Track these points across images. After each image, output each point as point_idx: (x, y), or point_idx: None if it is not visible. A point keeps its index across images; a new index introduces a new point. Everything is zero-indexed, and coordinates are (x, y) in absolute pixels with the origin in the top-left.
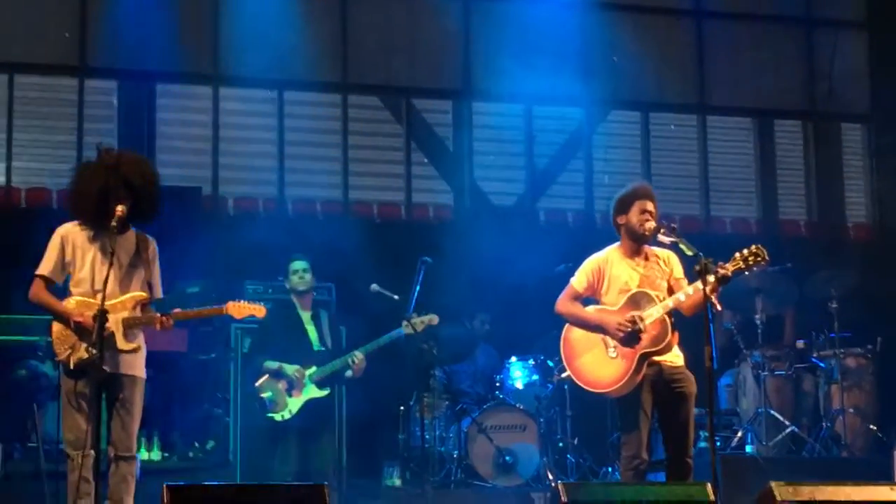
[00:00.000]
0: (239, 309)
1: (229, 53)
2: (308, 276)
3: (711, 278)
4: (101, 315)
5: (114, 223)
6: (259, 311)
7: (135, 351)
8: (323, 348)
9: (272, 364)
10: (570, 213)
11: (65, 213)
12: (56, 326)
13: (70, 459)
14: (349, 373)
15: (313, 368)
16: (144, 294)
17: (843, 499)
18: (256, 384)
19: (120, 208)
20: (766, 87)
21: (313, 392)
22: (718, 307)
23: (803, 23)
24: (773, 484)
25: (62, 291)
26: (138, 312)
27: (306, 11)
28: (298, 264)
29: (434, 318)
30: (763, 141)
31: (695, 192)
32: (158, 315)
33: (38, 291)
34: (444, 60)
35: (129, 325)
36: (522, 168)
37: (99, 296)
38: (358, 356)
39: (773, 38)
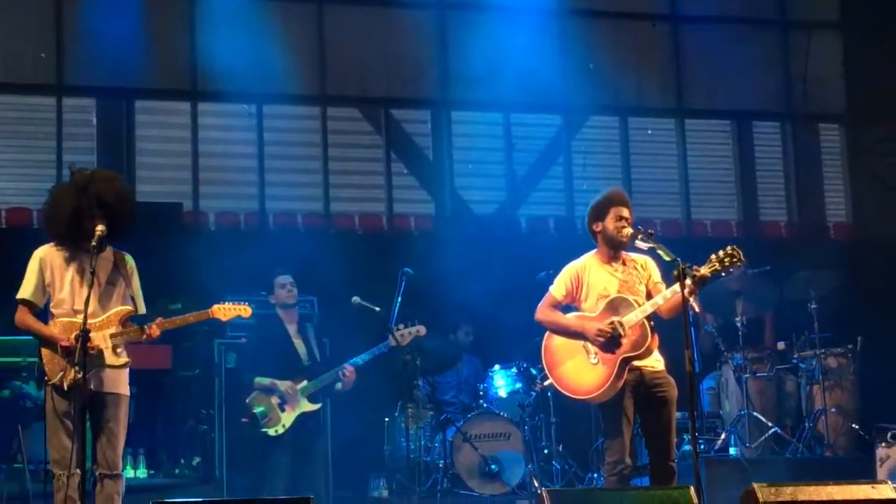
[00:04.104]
0: (224, 311)
1: (207, 69)
2: (295, 290)
3: (689, 282)
4: (84, 335)
5: (94, 243)
6: (245, 310)
7: (125, 366)
8: (311, 362)
9: (264, 380)
10: (552, 220)
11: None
12: (45, 351)
13: (56, 479)
14: (339, 385)
15: (305, 383)
16: (129, 308)
17: (824, 498)
18: (248, 400)
19: (100, 228)
20: (743, 89)
21: (306, 406)
22: (697, 309)
23: (778, 25)
24: (754, 485)
25: (44, 313)
26: (123, 327)
27: (283, 25)
28: (285, 278)
29: (422, 329)
30: (742, 143)
31: (675, 196)
32: (143, 327)
33: (22, 317)
34: (422, 70)
35: (116, 341)
36: (502, 176)
37: (80, 316)
38: (348, 369)
39: (748, 41)
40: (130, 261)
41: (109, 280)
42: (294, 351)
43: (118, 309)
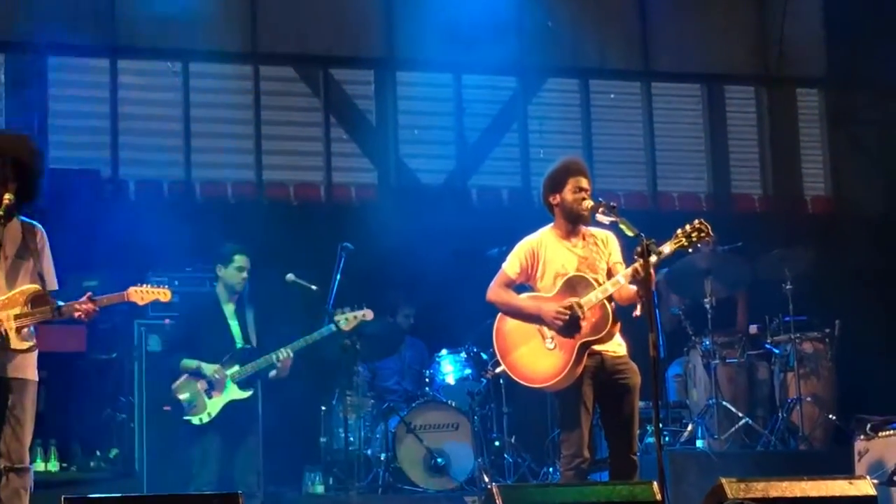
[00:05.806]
0: (142, 294)
1: (128, 22)
2: (247, 277)
3: (653, 259)
4: None
5: (1, 213)
6: (164, 294)
7: (30, 350)
8: (248, 346)
9: (190, 363)
10: (505, 191)
11: None
12: None
13: None
14: (273, 373)
15: (235, 367)
16: (36, 286)
17: (798, 495)
18: (174, 385)
19: (7, 197)
20: (715, 50)
21: (235, 393)
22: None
23: None
24: (723, 480)
25: None
26: (31, 307)
27: None
28: (244, 259)
29: (368, 314)
30: (713, 109)
31: (640, 166)
32: (52, 306)
33: None
34: (365, 26)
35: (22, 323)
36: (452, 143)
37: None
38: (284, 354)
39: None
40: (41, 232)
41: (18, 254)
42: (228, 332)
43: (24, 287)
